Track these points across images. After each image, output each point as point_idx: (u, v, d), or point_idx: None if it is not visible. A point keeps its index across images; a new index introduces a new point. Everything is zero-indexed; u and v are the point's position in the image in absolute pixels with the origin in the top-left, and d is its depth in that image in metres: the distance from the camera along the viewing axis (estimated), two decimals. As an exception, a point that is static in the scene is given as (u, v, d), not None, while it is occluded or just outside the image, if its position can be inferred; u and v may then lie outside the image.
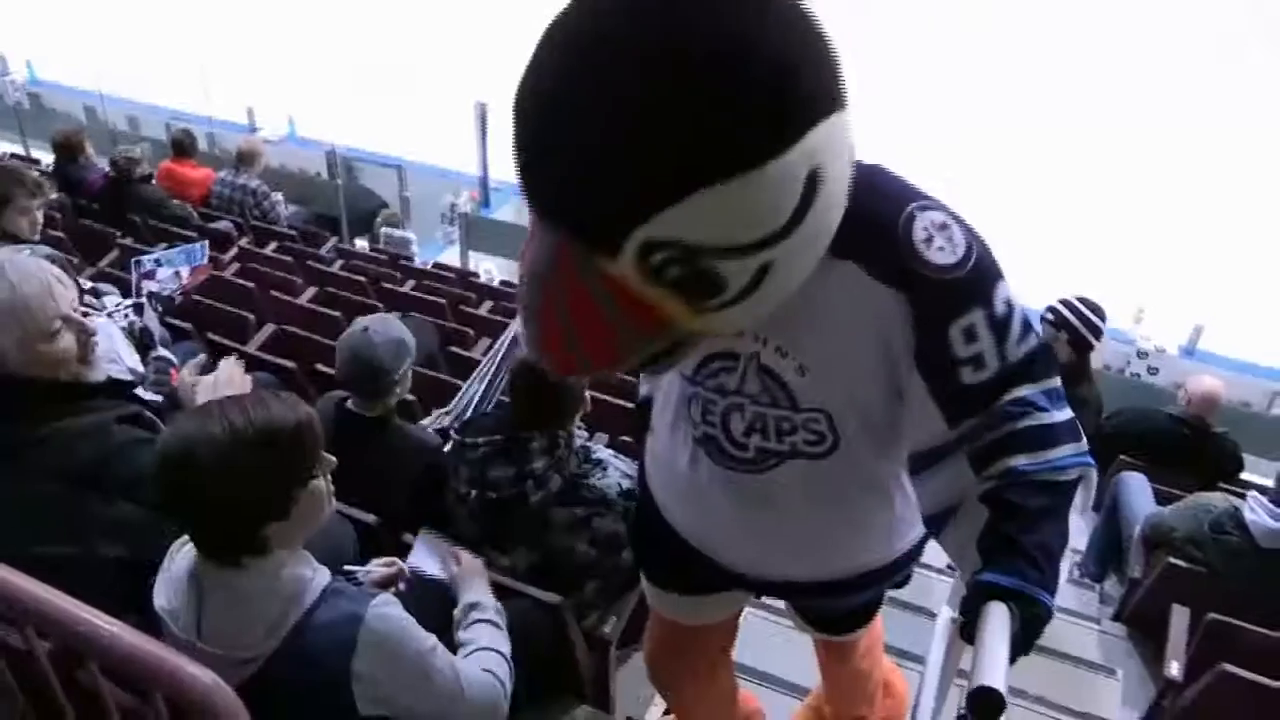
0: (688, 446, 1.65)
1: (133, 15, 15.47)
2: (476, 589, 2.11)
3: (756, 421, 1.50)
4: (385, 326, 2.76)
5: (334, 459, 1.66)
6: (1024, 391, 1.31)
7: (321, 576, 1.64)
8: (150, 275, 3.68)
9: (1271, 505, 3.43)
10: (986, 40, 13.57)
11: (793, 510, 1.60)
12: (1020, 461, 1.30)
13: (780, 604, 2.59)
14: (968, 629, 1.21)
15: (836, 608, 1.94)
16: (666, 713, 2.58)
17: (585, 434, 2.58)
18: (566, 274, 1.07)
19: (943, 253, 1.27)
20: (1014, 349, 1.30)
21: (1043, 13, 14.45)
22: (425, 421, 2.79)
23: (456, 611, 2.02)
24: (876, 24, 14.34)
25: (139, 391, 2.37)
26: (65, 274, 2.34)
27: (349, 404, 2.75)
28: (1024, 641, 1.20)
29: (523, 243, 1.14)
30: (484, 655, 1.87)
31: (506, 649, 1.93)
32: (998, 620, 1.18)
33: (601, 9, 1.01)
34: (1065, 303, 4.16)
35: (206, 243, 4.20)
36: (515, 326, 4.12)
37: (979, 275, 1.29)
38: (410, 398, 3.21)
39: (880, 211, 1.28)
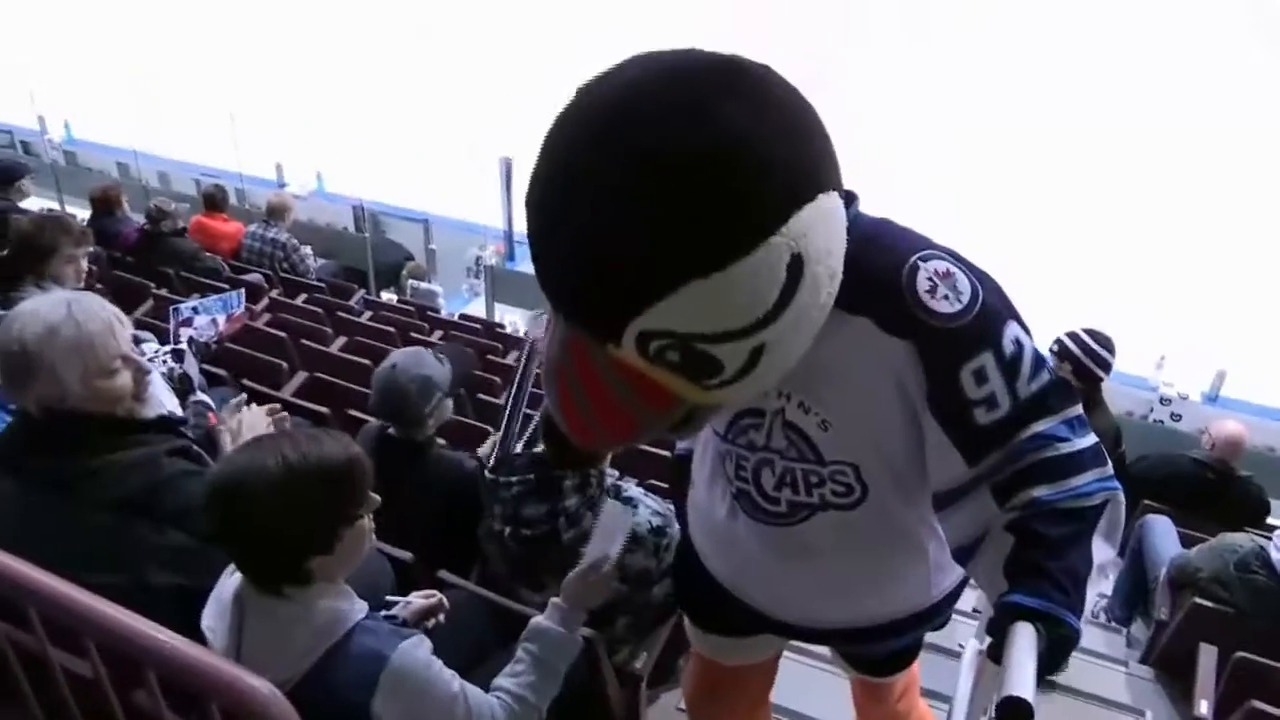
0: (725, 500, 1.71)
1: (165, 73, 15.82)
2: (563, 610, 2.02)
3: (786, 475, 1.56)
4: (413, 363, 2.85)
5: (378, 498, 1.70)
6: (1041, 426, 1.35)
7: (357, 611, 1.67)
8: (188, 323, 3.78)
9: (1298, 544, 3.44)
10: (1001, 83, 13.66)
11: (827, 560, 1.63)
12: (1042, 492, 1.34)
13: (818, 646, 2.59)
14: (995, 649, 1.25)
15: (876, 651, 1.95)
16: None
17: (615, 474, 2.62)
18: (579, 360, 1.16)
19: (947, 301, 1.32)
20: (1025, 386, 1.34)
21: (1067, 64, 14.56)
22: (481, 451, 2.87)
23: (532, 622, 1.99)
24: (881, 54, 14.52)
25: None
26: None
27: (390, 430, 2.83)
28: (1050, 661, 1.23)
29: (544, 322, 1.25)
30: (508, 704, 1.83)
31: (543, 696, 1.89)
32: (1025, 638, 1.21)
33: (592, 114, 1.09)
34: (1071, 335, 4.22)
35: (243, 291, 4.30)
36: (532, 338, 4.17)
37: (985, 319, 1.33)
38: (441, 441, 3.27)
39: (884, 265, 1.34)
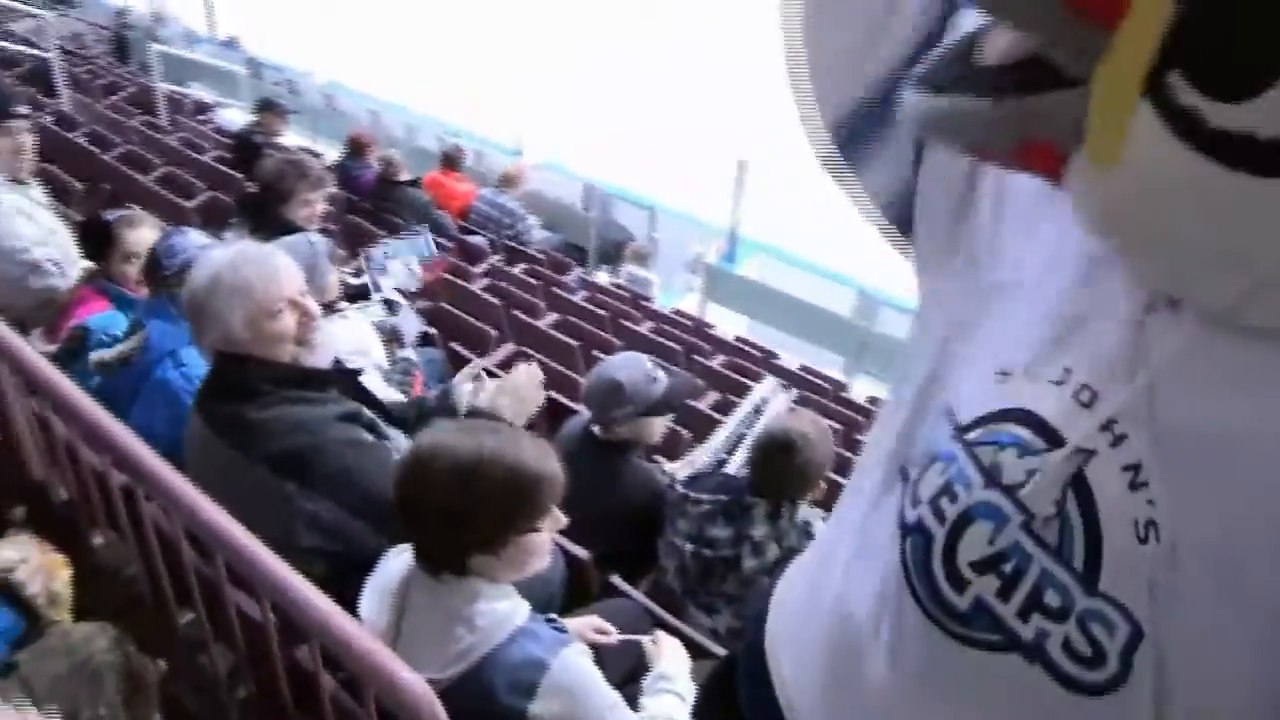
0: (876, 558, 0.91)
1: (420, 33, 16.60)
2: (673, 664, 1.98)
3: (1007, 557, 0.77)
4: (618, 366, 2.73)
5: (564, 519, 1.67)
6: None
7: (518, 615, 1.64)
8: (383, 270, 3.80)
9: None
10: None
11: None
12: None
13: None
14: None
15: None
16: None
17: (812, 509, 2.44)
18: None
19: None
20: None
21: None
22: (671, 466, 2.75)
23: (646, 678, 1.94)
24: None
25: (378, 387, 2.42)
26: (321, 260, 2.47)
27: (592, 426, 2.77)
28: None
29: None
30: None
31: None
32: None
33: None
34: None
35: (430, 235, 4.28)
36: (762, 392, 4.01)
37: None
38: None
39: None
